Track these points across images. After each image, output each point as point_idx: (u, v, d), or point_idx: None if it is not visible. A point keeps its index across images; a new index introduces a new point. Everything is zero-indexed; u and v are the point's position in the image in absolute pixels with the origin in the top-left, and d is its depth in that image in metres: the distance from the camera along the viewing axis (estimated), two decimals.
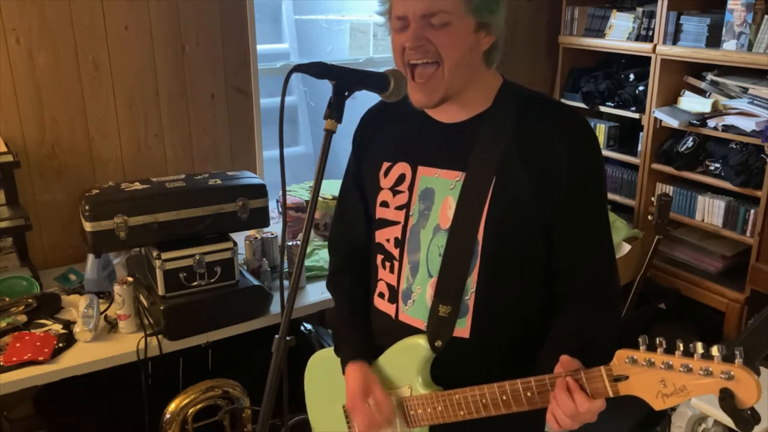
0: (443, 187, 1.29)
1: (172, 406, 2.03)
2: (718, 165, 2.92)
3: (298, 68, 1.14)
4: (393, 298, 1.36)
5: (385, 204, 1.36)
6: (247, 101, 2.79)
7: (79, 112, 2.44)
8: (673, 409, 2.44)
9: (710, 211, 2.98)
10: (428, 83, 1.22)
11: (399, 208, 1.34)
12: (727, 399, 0.93)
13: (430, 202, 1.30)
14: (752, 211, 2.79)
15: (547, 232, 1.27)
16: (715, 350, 0.95)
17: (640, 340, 1.02)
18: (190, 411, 2.05)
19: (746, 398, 0.92)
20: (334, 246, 1.57)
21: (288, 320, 1.15)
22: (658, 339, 1.01)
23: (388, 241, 1.36)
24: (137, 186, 2.06)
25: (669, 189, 3.14)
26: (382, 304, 1.40)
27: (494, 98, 1.28)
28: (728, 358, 0.94)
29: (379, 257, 1.39)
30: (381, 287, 1.40)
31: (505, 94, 1.29)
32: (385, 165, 1.37)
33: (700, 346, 0.96)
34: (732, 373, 0.93)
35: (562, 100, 3.58)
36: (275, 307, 2.12)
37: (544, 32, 3.60)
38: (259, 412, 1.15)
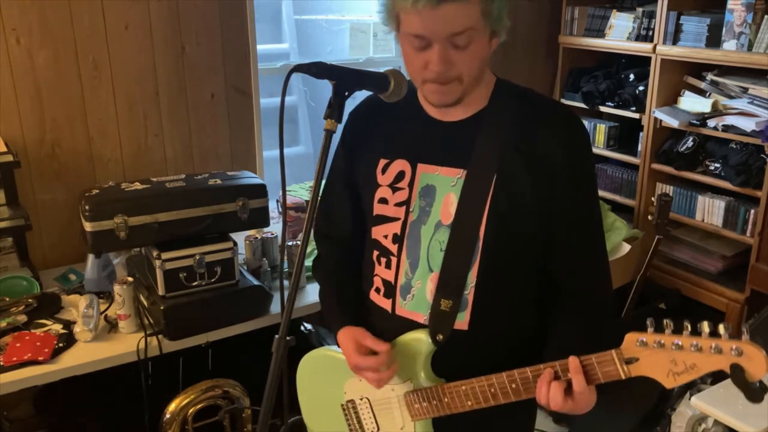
0: (444, 184, 1.30)
1: (172, 406, 2.03)
2: (718, 165, 2.92)
3: (298, 68, 1.14)
4: (389, 293, 1.37)
5: (383, 201, 1.37)
6: (247, 101, 2.79)
7: (79, 112, 2.44)
8: (673, 408, 2.44)
9: (710, 211, 2.98)
10: (447, 88, 1.22)
11: (399, 204, 1.34)
12: (737, 374, 0.97)
13: (431, 199, 1.31)
14: (752, 211, 2.79)
15: (546, 227, 1.29)
16: (721, 328, 1.00)
17: (648, 322, 1.06)
18: (190, 411, 2.05)
19: (756, 372, 0.97)
20: (321, 243, 1.57)
21: (288, 320, 1.15)
22: (665, 321, 1.05)
23: (385, 237, 1.37)
24: (137, 186, 2.06)
25: (669, 189, 3.14)
26: (378, 299, 1.40)
27: (490, 96, 1.31)
28: (734, 336, 0.99)
29: (375, 253, 1.40)
30: (377, 283, 1.40)
31: (501, 92, 1.31)
32: (383, 162, 1.37)
33: (706, 325, 1.01)
34: (741, 349, 0.97)
35: (562, 100, 3.58)
36: (275, 307, 2.12)
37: (544, 32, 3.60)
38: (259, 412, 1.15)
